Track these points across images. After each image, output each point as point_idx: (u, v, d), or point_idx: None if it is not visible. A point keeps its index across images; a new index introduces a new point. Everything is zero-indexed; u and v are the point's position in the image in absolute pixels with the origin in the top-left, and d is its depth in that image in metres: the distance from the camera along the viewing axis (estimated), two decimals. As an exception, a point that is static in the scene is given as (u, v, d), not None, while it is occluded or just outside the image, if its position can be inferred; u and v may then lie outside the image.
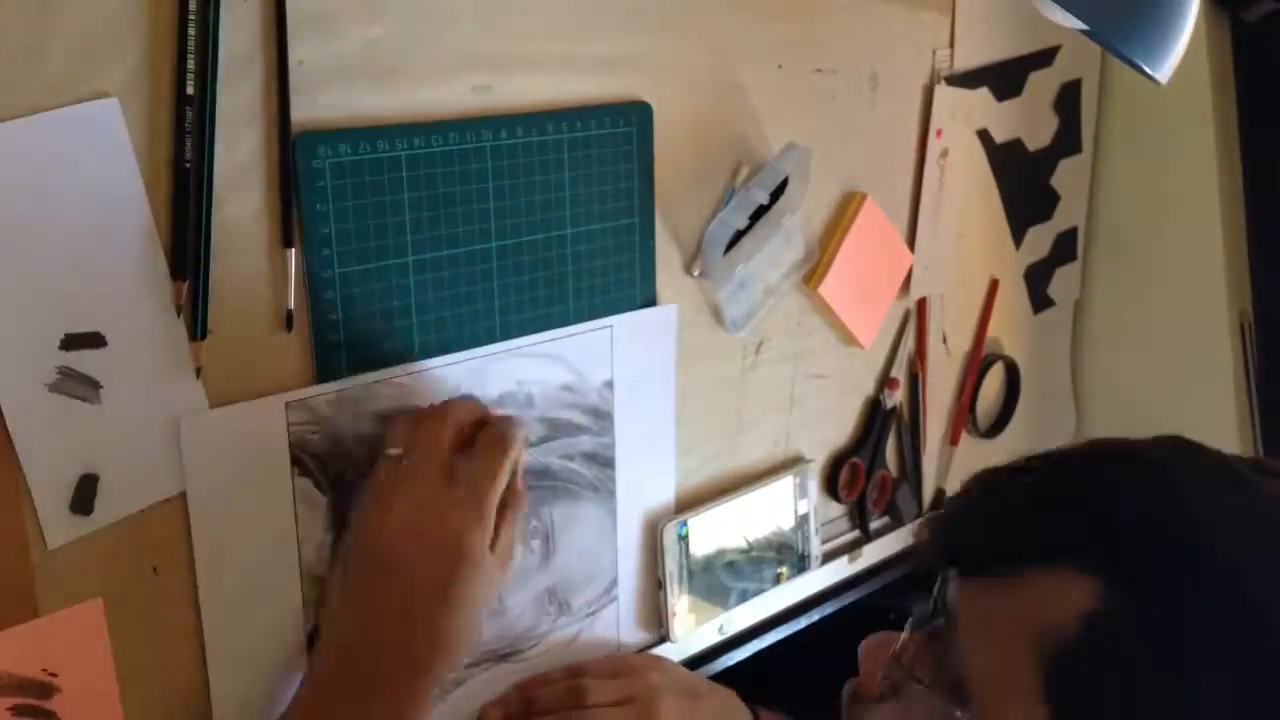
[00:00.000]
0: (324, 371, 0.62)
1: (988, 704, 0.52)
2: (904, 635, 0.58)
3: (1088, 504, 0.53)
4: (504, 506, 0.64)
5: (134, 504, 0.57)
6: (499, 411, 0.68)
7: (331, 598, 0.63)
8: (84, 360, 0.54)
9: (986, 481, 0.58)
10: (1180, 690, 0.47)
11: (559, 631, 0.77)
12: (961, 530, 0.58)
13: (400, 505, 0.61)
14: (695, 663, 0.86)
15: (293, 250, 0.59)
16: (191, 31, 0.53)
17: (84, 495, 0.55)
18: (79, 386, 0.54)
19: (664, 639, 0.84)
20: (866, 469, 0.98)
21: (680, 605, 0.83)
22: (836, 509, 0.98)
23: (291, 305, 0.60)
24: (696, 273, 0.79)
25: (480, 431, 0.64)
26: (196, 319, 0.56)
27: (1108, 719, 0.49)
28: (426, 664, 0.60)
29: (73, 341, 0.53)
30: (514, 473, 0.65)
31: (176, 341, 0.56)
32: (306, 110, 0.58)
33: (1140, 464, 0.55)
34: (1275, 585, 0.48)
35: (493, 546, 0.63)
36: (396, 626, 0.60)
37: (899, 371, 0.99)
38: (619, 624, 0.81)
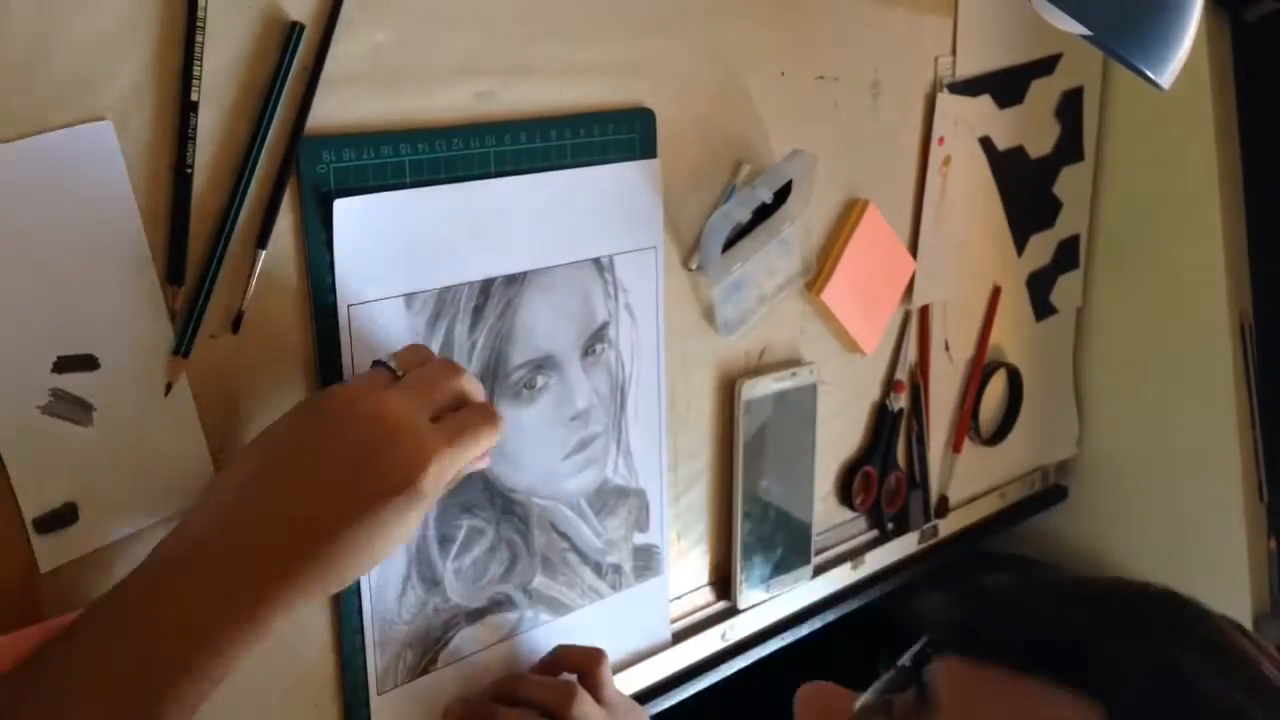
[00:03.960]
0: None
1: None
2: (865, 699, 0.55)
3: (1130, 642, 0.50)
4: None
5: (130, 525, 0.57)
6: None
7: (240, 455, 0.56)
8: (76, 383, 0.53)
9: (1028, 584, 0.56)
10: None
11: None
12: (986, 614, 0.55)
13: (373, 400, 0.56)
14: (697, 669, 0.86)
15: (263, 252, 0.58)
16: (199, 38, 0.54)
17: (67, 518, 0.54)
18: (71, 409, 0.53)
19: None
20: (879, 475, 0.99)
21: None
22: (847, 514, 0.98)
23: (244, 307, 0.58)
24: (694, 266, 0.79)
25: (475, 401, 0.60)
26: (185, 334, 0.56)
27: None
28: (309, 571, 0.53)
29: (65, 364, 0.53)
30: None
31: (168, 364, 0.56)
32: (310, 115, 0.58)
33: (1195, 625, 0.52)
34: None
35: None
36: (299, 505, 0.53)
37: (902, 376, 1.00)
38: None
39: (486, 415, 0.59)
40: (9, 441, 0.52)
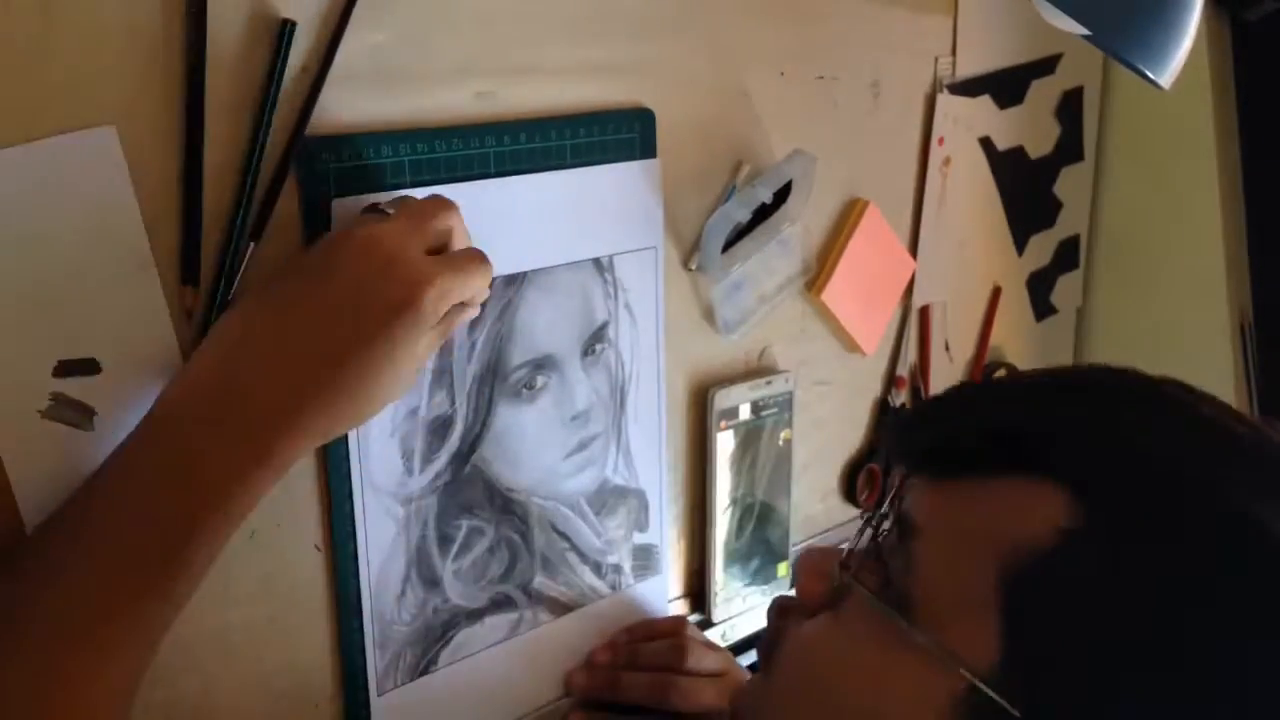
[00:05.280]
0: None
1: (935, 616, 0.48)
2: (851, 543, 0.54)
3: (1080, 419, 0.50)
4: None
5: None
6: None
7: (235, 307, 0.55)
8: (77, 387, 0.53)
9: (968, 387, 0.55)
10: (1148, 615, 0.45)
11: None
12: (937, 429, 0.55)
13: (367, 232, 0.56)
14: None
15: (252, 245, 0.58)
16: (204, 40, 0.54)
17: None
18: (73, 413, 0.53)
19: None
20: (883, 472, 0.98)
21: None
22: (851, 512, 0.98)
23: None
24: (694, 266, 0.79)
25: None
26: (200, 338, 0.56)
27: (1065, 639, 0.46)
28: (320, 405, 0.53)
29: (66, 368, 0.53)
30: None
31: (173, 366, 0.56)
32: (311, 115, 0.58)
33: (1140, 389, 0.52)
34: (1264, 511, 0.45)
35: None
36: (303, 339, 0.53)
37: (903, 376, 1.00)
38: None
39: (478, 254, 0.59)
40: (9, 447, 0.52)
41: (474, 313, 0.61)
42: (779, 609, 0.58)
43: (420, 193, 0.62)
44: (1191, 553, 0.45)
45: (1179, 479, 0.47)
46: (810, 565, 0.57)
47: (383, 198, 0.60)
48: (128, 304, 0.54)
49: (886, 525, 0.53)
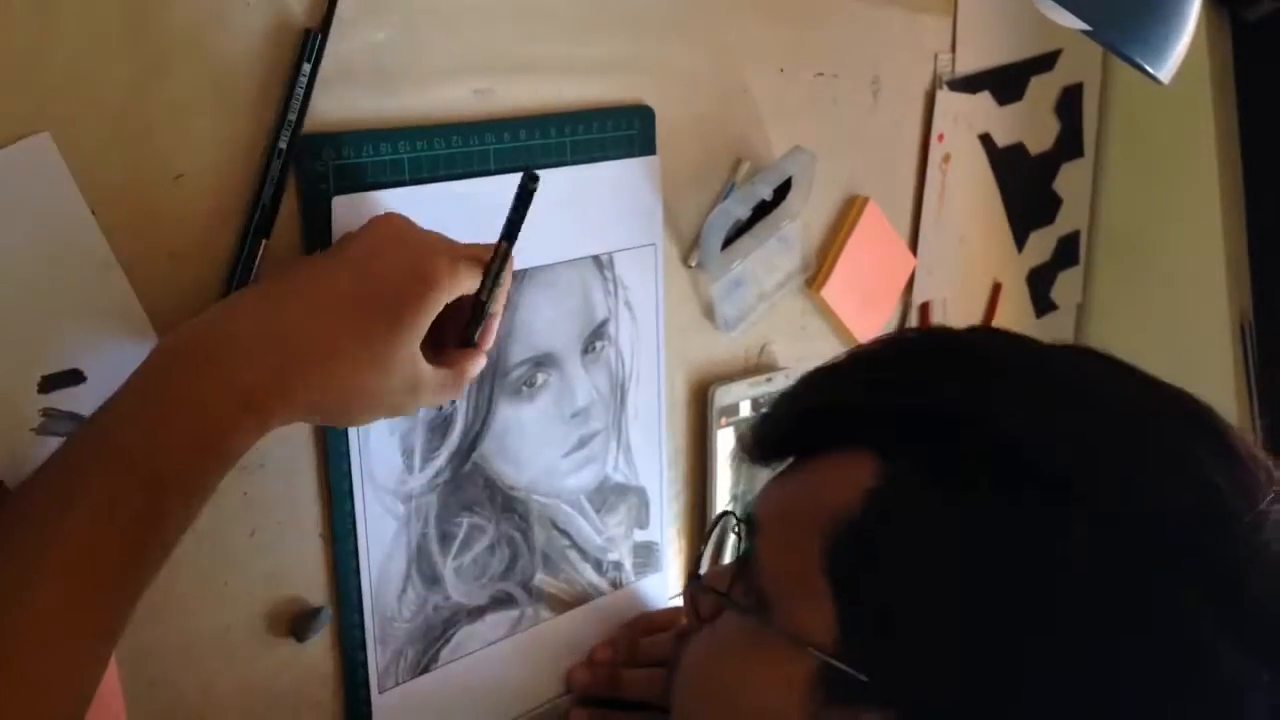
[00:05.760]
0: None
1: (781, 603, 0.50)
2: (700, 550, 0.57)
3: (885, 385, 0.51)
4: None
5: None
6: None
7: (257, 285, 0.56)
8: (67, 399, 0.53)
9: (805, 374, 0.57)
10: (962, 563, 0.46)
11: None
12: (768, 420, 0.56)
13: (381, 219, 0.57)
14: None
15: (265, 241, 0.58)
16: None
17: None
18: (66, 425, 0.53)
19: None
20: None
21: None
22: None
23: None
24: (694, 263, 0.79)
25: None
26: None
27: (893, 597, 0.47)
28: (321, 375, 0.52)
29: (51, 383, 0.52)
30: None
31: None
32: (309, 113, 0.58)
33: (943, 344, 0.53)
34: (1058, 446, 0.47)
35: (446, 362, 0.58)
36: (312, 311, 0.52)
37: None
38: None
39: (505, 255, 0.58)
40: (8, 469, 0.51)
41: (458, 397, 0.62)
42: (675, 636, 0.60)
43: (420, 190, 0.61)
44: (971, 488, 0.46)
45: (955, 421, 0.48)
46: (691, 590, 0.59)
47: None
48: (98, 306, 0.53)
49: (743, 526, 0.55)
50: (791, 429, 0.53)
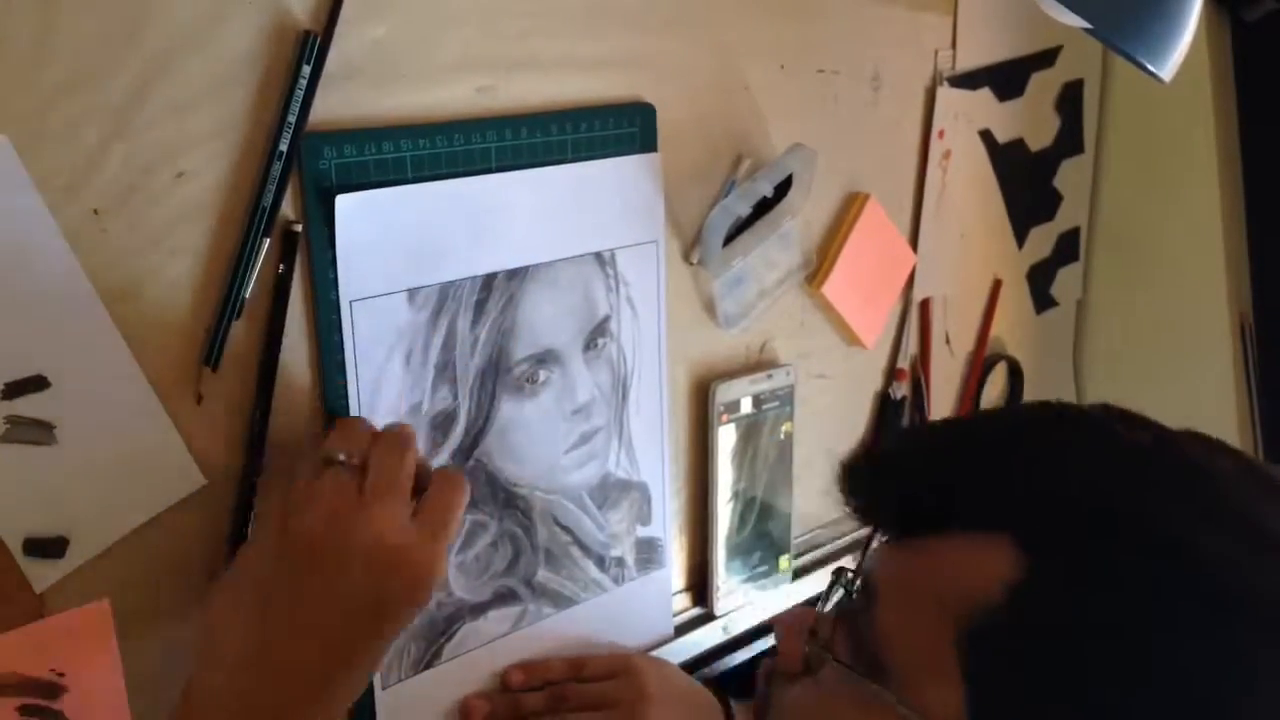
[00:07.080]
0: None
1: (904, 677, 0.49)
2: (820, 604, 0.55)
3: (1013, 467, 0.50)
4: None
5: (113, 534, 0.56)
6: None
7: (223, 605, 0.56)
8: (31, 405, 0.52)
9: (910, 437, 0.56)
10: (1106, 663, 0.45)
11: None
12: (885, 488, 0.55)
13: (361, 529, 0.55)
14: (698, 663, 0.86)
15: (266, 241, 0.58)
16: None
17: (57, 546, 0.54)
18: (32, 431, 0.52)
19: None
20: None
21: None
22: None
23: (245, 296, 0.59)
24: (695, 260, 0.79)
25: (435, 472, 0.60)
26: (214, 345, 0.56)
27: (1028, 692, 0.46)
28: (342, 692, 0.55)
29: (14, 389, 0.52)
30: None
31: (125, 368, 0.55)
32: (311, 111, 0.58)
33: (1069, 427, 0.52)
34: (1213, 549, 0.45)
35: None
36: (319, 643, 0.54)
37: (903, 368, 1.00)
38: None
39: (454, 485, 0.59)
40: None
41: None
42: (765, 675, 0.59)
43: (421, 188, 0.61)
44: (1132, 591, 0.45)
45: (1111, 517, 0.47)
46: (788, 627, 0.57)
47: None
48: (61, 312, 0.53)
49: (858, 584, 0.54)
50: (922, 508, 0.51)
